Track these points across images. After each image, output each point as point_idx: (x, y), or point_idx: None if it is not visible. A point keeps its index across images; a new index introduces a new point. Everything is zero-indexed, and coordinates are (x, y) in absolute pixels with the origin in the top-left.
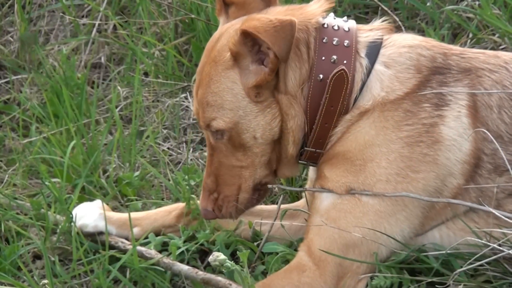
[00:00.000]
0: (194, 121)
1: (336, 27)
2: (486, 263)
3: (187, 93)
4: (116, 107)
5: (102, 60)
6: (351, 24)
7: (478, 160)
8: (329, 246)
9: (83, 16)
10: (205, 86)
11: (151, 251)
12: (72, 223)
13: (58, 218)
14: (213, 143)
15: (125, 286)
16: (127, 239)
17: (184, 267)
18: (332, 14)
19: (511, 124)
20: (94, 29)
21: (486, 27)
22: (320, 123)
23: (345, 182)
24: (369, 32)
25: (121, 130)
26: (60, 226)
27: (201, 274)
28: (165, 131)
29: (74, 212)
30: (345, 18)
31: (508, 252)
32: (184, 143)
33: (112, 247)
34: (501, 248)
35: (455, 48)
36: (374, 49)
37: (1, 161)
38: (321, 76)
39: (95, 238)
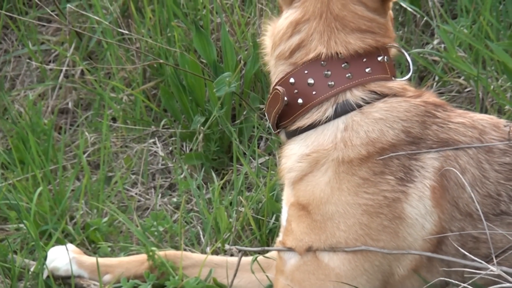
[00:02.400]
0: (163, 166)
1: (363, 71)
2: None
3: (156, 138)
4: (84, 153)
5: (70, 105)
6: (378, 69)
7: (442, 237)
8: None
9: (50, 62)
10: None
11: None
12: (44, 266)
13: (26, 262)
14: None
15: None
16: None
17: None
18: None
19: (482, 202)
20: (61, 75)
21: (452, 69)
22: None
23: (308, 241)
24: (380, 84)
25: (88, 176)
26: (28, 270)
27: None
28: (133, 177)
29: (46, 255)
30: (404, 79)
31: None
32: (153, 189)
33: None
34: None
35: (442, 116)
36: (347, 107)
37: None
38: (292, 80)
39: (66, 281)
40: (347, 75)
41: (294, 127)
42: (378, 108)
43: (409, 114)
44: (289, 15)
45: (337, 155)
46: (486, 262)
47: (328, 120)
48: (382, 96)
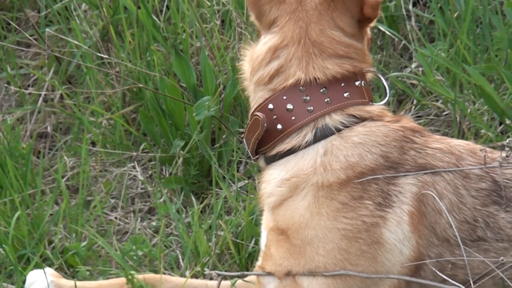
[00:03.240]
0: (142, 190)
1: (341, 95)
2: None
3: (135, 162)
4: (63, 177)
5: (49, 129)
6: (358, 93)
7: (421, 264)
8: None
9: (29, 86)
10: None
11: None
12: None
13: (5, 286)
14: None
15: None
16: None
17: None
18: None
19: (459, 228)
20: (40, 99)
21: (430, 93)
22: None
23: (287, 266)
24: (358, 109)
25: (67, 200)
26: None
27: None
28: (112, 201)
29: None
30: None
31: None
32: (132, 213)
33: None
34: None
35: (420, 142)
36: (326, 131)
37: None
38: (271, 106)
39: None
40: (325, 100)
41: (273, 152)
42: (357, 132)
43: (387, 139)
44: (267, 40)
45: (317, 180)
46: None
47: (308, 144)
48: (361, 120)
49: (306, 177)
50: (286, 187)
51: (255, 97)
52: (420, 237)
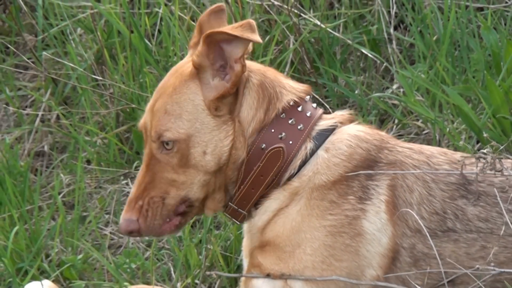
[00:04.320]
0: None
1: (300, 109)
2: None
3: (128, 179)
4: (59, 193)
5: (45, 148)
6: (315, 111)
7: (396, 253)
8: None
9: (26, 107)
10: (167, 96)
11: None
12: None
13: None
14: (156, 154)
15: None
16: None
17: None
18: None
19: (429, 219)
20: (38, 119)
21: (410, 113)
22: (247, 186)
23: (278, 270)
24: (328, 120)
25: (63, 216)
26: None
27: None
28: (107, 216)
29: None
30: (314, 105)
31: None
32: None
33: None
34: None
35: (392, 142)
36: (324, 136)
37: None
38: (263, 145)
39: None
40: (298, 127)
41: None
42: (346, 136)
43: (370, 139)
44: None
45: (313, 182)
46: (438, 281)
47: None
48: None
49: (307, 179)
50: (286, 195)
51: None
52: (395, 227)
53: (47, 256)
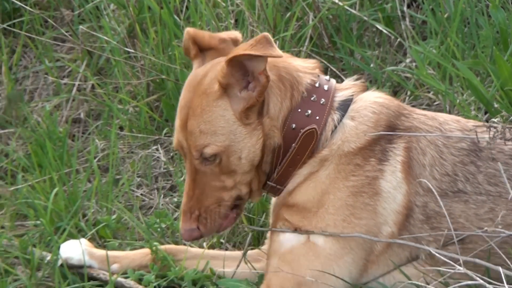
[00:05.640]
0: (165, 170)
1: (317, 85)
2: None
3: (158, 145)
4: (94, 158)
5: (82, 116)
6: (331, 83)
7: (410, 211)
8: (283, 285)
9: (64, 77)
10: (197, 116)
11: (130, 282)
12: (58, 257)
13: (44, 254)
14: (200, 168)
15: None
16: None
17: None
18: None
19: (440, 180)
20: (74, 88)
21: (422, 85)
22: (285, 166)
23: (302, 227)
24: (344, 91)
25: (99, 179)
26: (46, 261)
27: None
28: (138, 179)
29: (60, 247)
30: (327, 77)
31: None
32: (156, 190)
33: (95, 278)
34: None
35: (408, 109)
36: (346, 106)
37: None
38: (293, 125)
39: (79, 271)
40: (321, 102)
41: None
42: (368, 103)
43: (390, 105)
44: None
45: (342, 150)
46: (450, 239)
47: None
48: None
49: (336, 147)
50: (317, 161)
51: None
52: (409, 186)
53: (84, 216)
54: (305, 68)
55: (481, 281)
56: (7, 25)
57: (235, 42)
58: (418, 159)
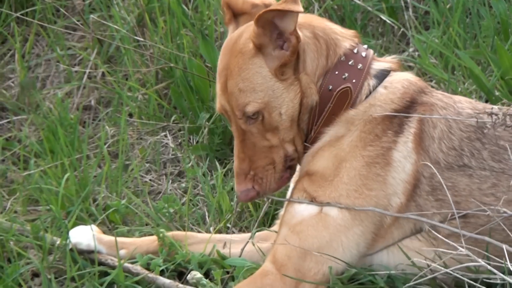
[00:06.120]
0: (173, 156)
1: (355, 51)
2: (424, 282)
3: (167, 131)
4: (105, 144)
5: (92, 103)
6: (369, 51)
7: (417, 181)
8: (289, 254)
9: (75, 65)
10: (235, 75)
11: (137, 267)
12: (68, 241)
13: (54, 239)
14: (245, 128)
15: None
16: None
17: (166, 281)
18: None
19: (447, 153)
20: (85, 76)
21: (425, 74)
22: (321, 125)
23: (317, 197)
24: (382, 62)
25: (109, 164)
26: (56, 245)
27: (181, 286)
28: (147, 165)
29: (70, 232)
30: (365, 46)
31: (446, 271)
32: (164, 176)
33: (103, 263)
34: (439, 267)
35: (429, 89)
36: (383, 75)
37: (4, 190)
38: (330, 87)
39: (88, 256)
40: (358, 67)
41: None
42: (402, 78)
43: (417, 84)
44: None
45: (368, 115)
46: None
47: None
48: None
49: (363, 110)
50: (343, 122)
51: None
52: (418, 156)
53: (94, 200)
54: (343, 33)
55: (483, 263)
56: (20, 14)
57: (267, 7)
58: (428, 131)
